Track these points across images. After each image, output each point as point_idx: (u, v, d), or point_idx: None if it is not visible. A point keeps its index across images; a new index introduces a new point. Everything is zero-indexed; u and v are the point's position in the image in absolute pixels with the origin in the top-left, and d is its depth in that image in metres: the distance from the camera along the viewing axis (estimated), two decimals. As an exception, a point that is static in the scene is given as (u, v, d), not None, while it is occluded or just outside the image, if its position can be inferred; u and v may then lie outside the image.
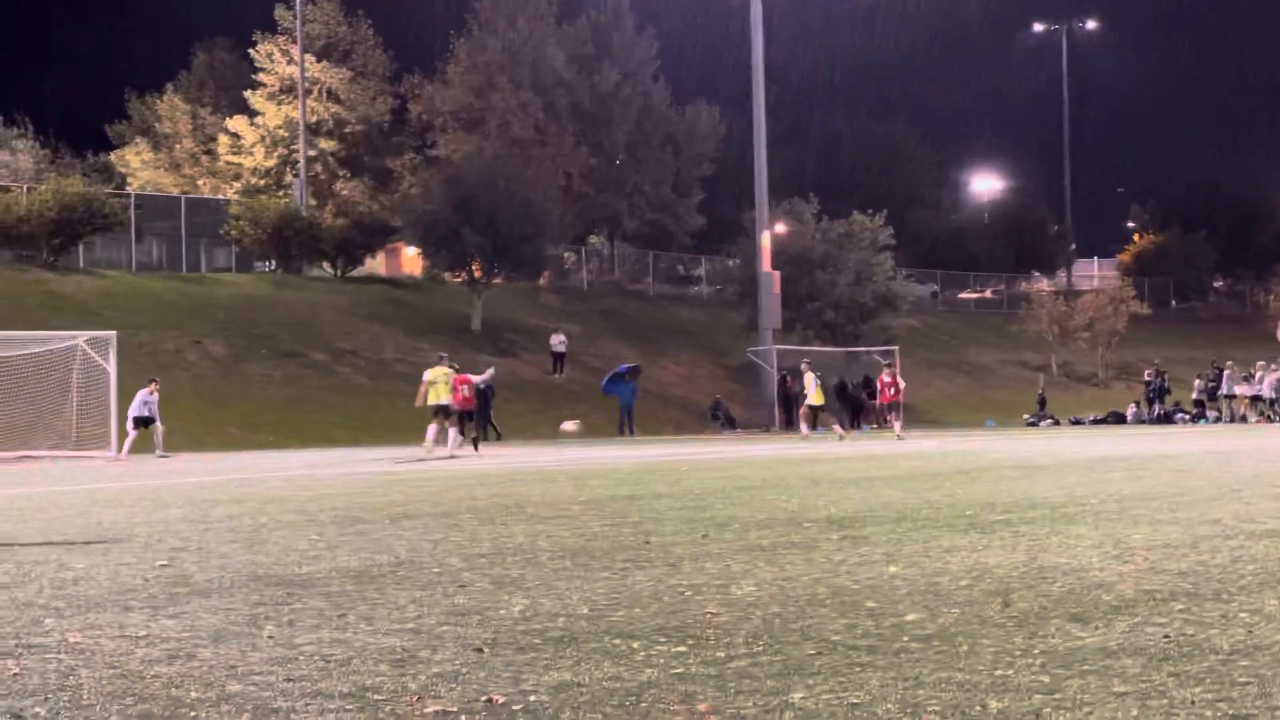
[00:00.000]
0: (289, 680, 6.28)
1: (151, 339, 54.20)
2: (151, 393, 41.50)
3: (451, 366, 38.46)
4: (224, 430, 46.91)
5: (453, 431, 37.20)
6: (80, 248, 64.57)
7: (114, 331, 43.70)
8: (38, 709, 5.79)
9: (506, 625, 7.72)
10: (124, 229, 66.67)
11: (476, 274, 65.57)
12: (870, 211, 69.64)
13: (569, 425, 22.28)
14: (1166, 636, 6.87)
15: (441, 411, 36.83)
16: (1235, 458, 23.90)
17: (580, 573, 9.95)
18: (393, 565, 10.70)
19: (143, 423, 40.59)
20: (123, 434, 40.26)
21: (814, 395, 45.27)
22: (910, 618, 7.60)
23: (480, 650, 6.93)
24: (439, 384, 36.95)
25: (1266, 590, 8.32)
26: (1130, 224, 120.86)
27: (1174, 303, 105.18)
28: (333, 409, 53.06)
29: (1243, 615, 7.45)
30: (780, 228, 68.39)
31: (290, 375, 55.80)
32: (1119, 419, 63.11)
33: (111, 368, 42.21)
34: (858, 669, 6.22)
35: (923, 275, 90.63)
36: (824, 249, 67.77)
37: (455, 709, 5.59)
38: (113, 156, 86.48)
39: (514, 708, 5.61)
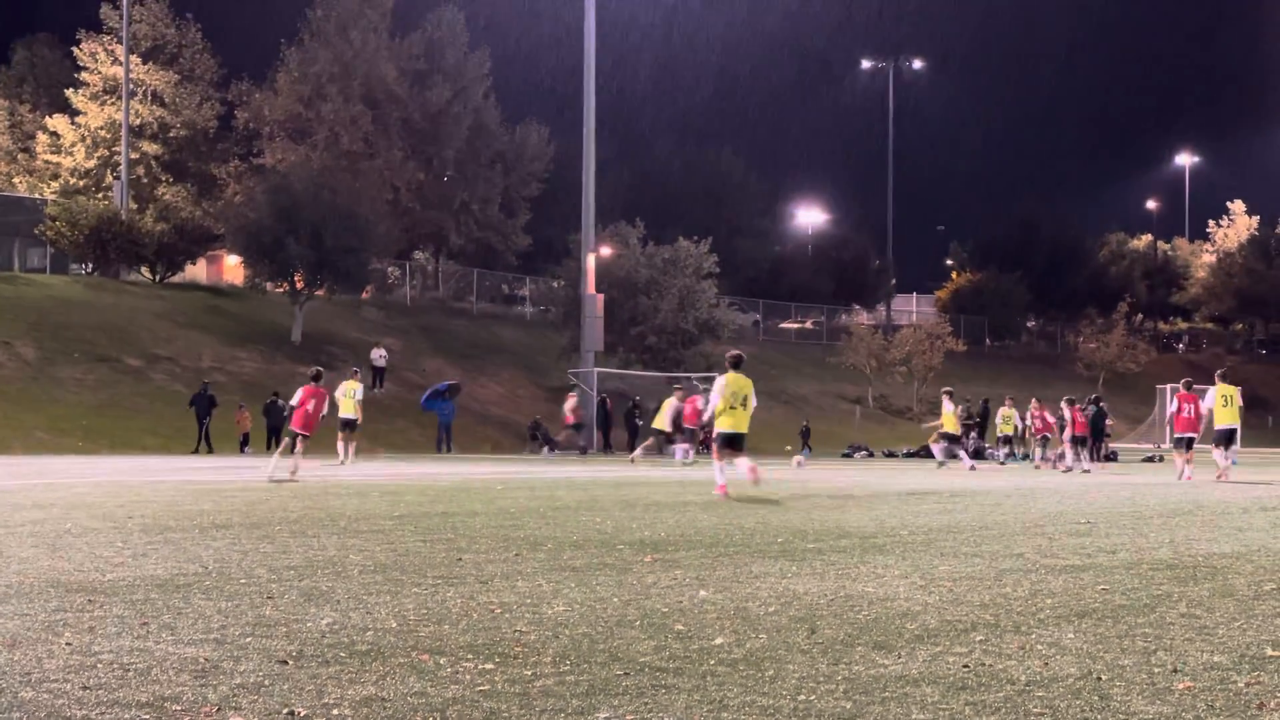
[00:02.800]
0: (85, 688, 6.16)
1: (-40, 338, 52.90)
2: None
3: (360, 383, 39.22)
4: (31, 434, 45.91)
5: (352, 446, 37.65)
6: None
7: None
8: None
9: (313, 638, 7.64)
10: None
11: (299, 285, 64.91)
12: (695, 238, 70.05)
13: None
14: (966, 666, 6.98)
15: (349, 426, 37.25)
16: (1038, 494, 24.36)
17: (390, 587, 9.88)
18: (200, 575, 10.54)
19: None
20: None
21: (949, 422, 43.94)
22: (718, 641, 7.64)
23: (285, 663, 6.85)
24: (348, 399, 37.43)
25: (1064, 624, 8.49)
26: (949, 261, 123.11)
27: (989, 341, 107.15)
28: (146, 415, 52.15)
29: (1039, 647, 7.59)
30: (606, 251, 68.56)
31: (103, 380, 54.76)
32: (929, 453, 64.05)
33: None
34: (663, 691, 6.24)
35: (745, 304, 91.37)
36: (648, 274, 68.03)
37: (255, 718, 5.51)
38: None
39: (315, 721, 5.55)
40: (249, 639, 7.57)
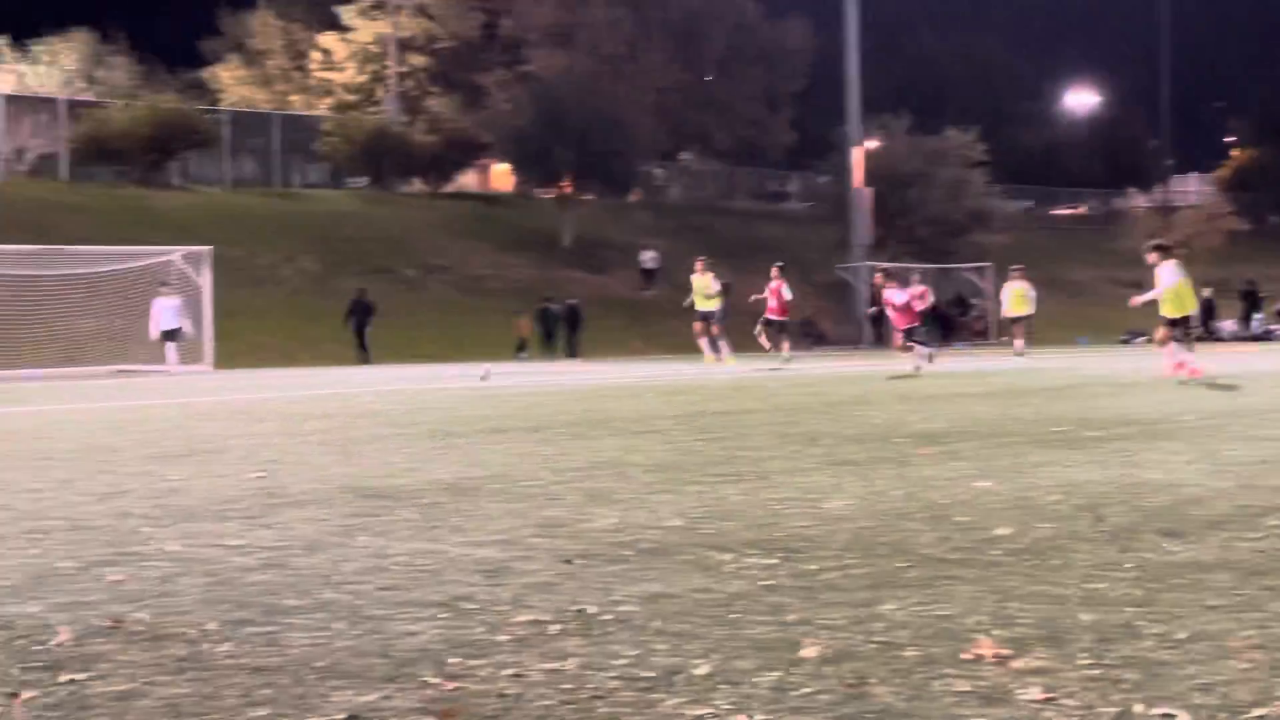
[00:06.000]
0: (382, 589, 6.35)
1: (245, 255, 54.60)
2: (174, 301, 41.14)
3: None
4: (317, 345, 47.25)
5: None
6: (175, 164, 65.06)
7: (209, 247, 44.07)
8: (139, 614, 5.89)
9: (598, 537, 7.76)
10: (218, 146, 67.13)
11: (567, 190, 65.56)
12: (963, 127, 68.92)
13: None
14: (1260, 551, 6.82)
15: (706, 318, 36.40)
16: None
17: (671, 486, 9.98)
18: (484, 478, 10.77)
19: (170, 335, 40.48)
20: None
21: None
22: (1001, 532, 7.57)
23: (570, 561, 6.98)
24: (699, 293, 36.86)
25: (1364, 507, 8.23)
26: (1229, 139, 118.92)
27: (1272, 219, 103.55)
28: (423, 324, 53.32)
29: (1339, 532, 7.38)
30: (872, 144, 67.83)
31: (381, 291, 56.05)
32: (1216, 336, 62.41)
33: (206, 283, 42.62)
34: (948, 582, 6.21)
35: (1016, 191, 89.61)
36: (916, 165, 67.20)
37: (547, 618, 5.63)
38: (206, 73, 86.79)
39: (604, 618, 5.64)
40: (536, 539, 7.72)
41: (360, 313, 48.29)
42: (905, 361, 31.89)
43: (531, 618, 5.65)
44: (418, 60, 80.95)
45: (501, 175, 78.01)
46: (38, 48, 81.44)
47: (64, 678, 4.81)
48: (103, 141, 60.94)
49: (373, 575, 6.68)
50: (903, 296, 32.38)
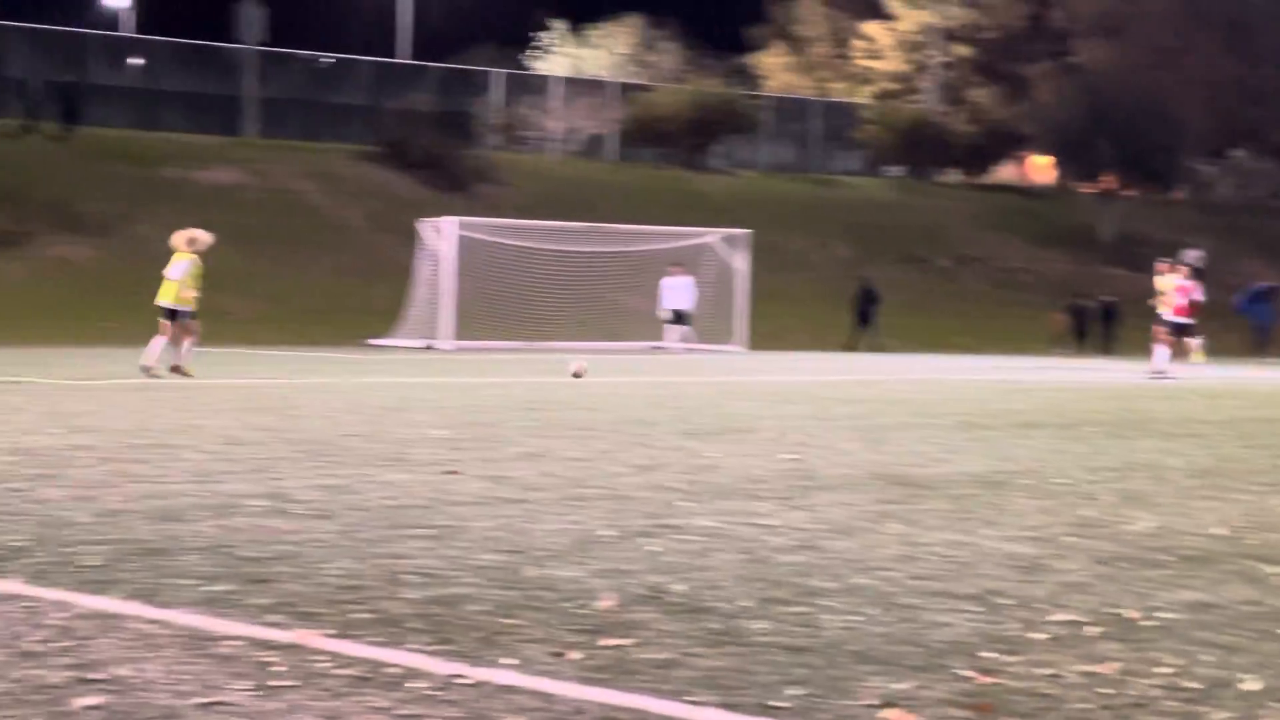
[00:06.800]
0: (914, 578, 6.32)
1: (779, 239, 55.37)
2: (684, 280, 40.85)
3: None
4: (845, 331, 47.47)
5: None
6: (716, 147, 66.50)
7: (747, 230, 44.88)
8: (676, 585, 6.03)
9: (1134, 540, 7.54)
10: (758, 131, 68.29)
11: (1109, 185, 64.02)
12: None
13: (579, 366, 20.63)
14: None
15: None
16: None
17: (1214, 493, 9.62)
18: (1016, 472, 10.62)
19: (678, 316, 40.34)
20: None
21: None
22: None
23: (1106, 564, 6.80)
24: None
25: None
26: None
27: None
28: (954, 315, 52.98)
29: None
30: None
31: (912, 280, 56.03)
32: None
33: (742, 265, 43.43)
34: None
35: None
36: None
37: (1084, 619, 5.49)
38: (750, 59, 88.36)
39: (1144, 623, 5.47)
40: (1070, 538, 7.56)
41: (866, 300, 47.73)
42: None
43: (1068, 617, 5.52)
44: (961, 50, 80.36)
45: (1041, 168, 76.72)
46: (593, 33, 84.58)
47: (607, 642, 4.96)
48: (649, 124, 62.80)
49: (904, 564, 6.66)
50: None
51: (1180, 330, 31.69)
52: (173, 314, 20.97)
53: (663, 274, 41.80)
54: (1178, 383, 25.93)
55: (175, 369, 20.45)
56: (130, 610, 5.34)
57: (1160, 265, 33.59)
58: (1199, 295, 32.89)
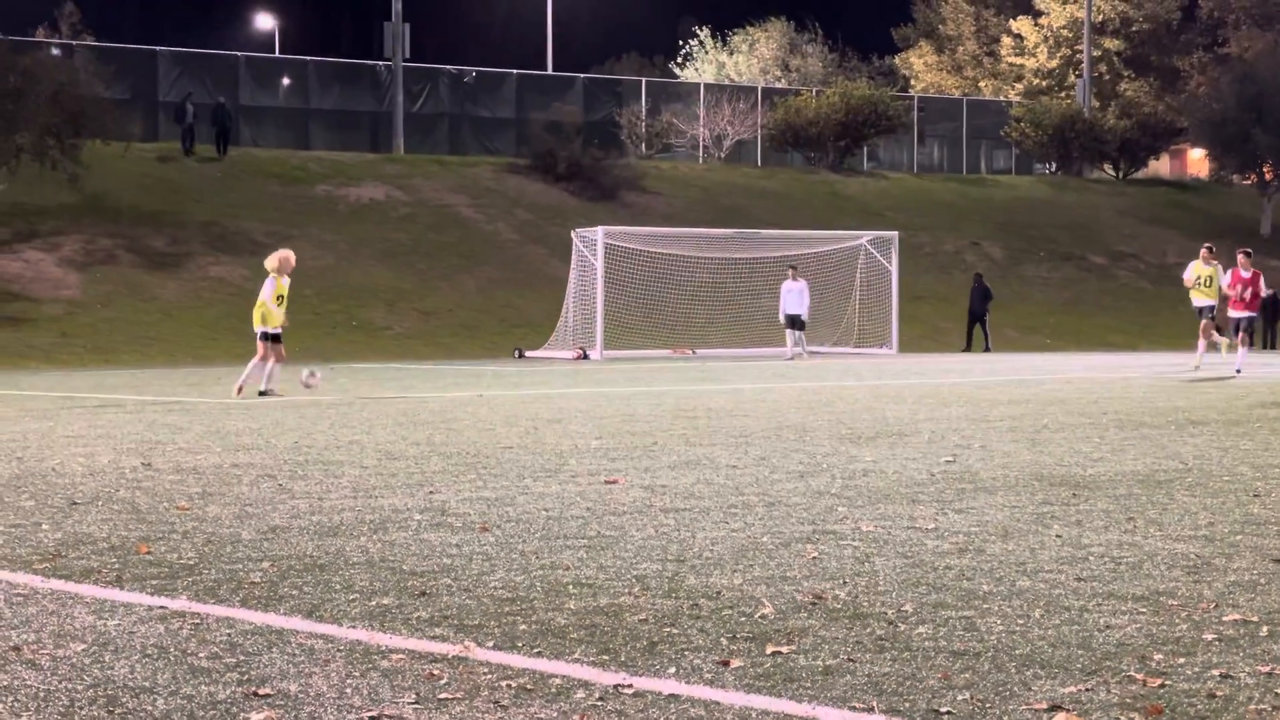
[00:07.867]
0: (1079, 579, 6.24)
1: (930, 240, 55.01)
2: (798, 285, 39.78)
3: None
4: (1001, 331, 47.03)
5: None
6: (864, 149, 66.17)
7: (896, 232, 44.62)
8: (837, 591, 6.00)
9: (1306, 538, 7.38)
10: (906, 131, 67.85)
11: (1267, 176, 62.84)
12: None
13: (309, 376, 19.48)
14: None
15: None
16: None
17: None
18: (1180, 471, 10.44)
19: (793, 321, 39.29)
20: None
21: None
22: None
23: (1278, 562, 6.66)
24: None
25: None
26: None
27: None
28: (1110, 313, 52.28)
29: None
30: None
31: (1067, 278, 55.37)
32: None
33: (893, 267, 43.16)
34: None
35: None
36: None
37: (1255, 619, 5.39)
38: (897, 59, 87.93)
39: (1320, 624, 5.35)
40: (1239, 536, 7.42)
41: (979, 298, 46.54)
42: None
43: (1239, 617, 5.42)
44: (1111, 44, 79.36)
45: (1197, 161, 75.48)
46: (737, 38, 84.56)
47: (770, 649, 4.94)
48: (796, 128, 62.57)
49: (1069, 565, 6.57)
50: None
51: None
52: (269, 335, 21.11)
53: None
54: None
55: (266, 391, 20.48)
56: (295, 625, 5.42)
57: (1204, 250, 31.44)
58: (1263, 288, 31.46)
